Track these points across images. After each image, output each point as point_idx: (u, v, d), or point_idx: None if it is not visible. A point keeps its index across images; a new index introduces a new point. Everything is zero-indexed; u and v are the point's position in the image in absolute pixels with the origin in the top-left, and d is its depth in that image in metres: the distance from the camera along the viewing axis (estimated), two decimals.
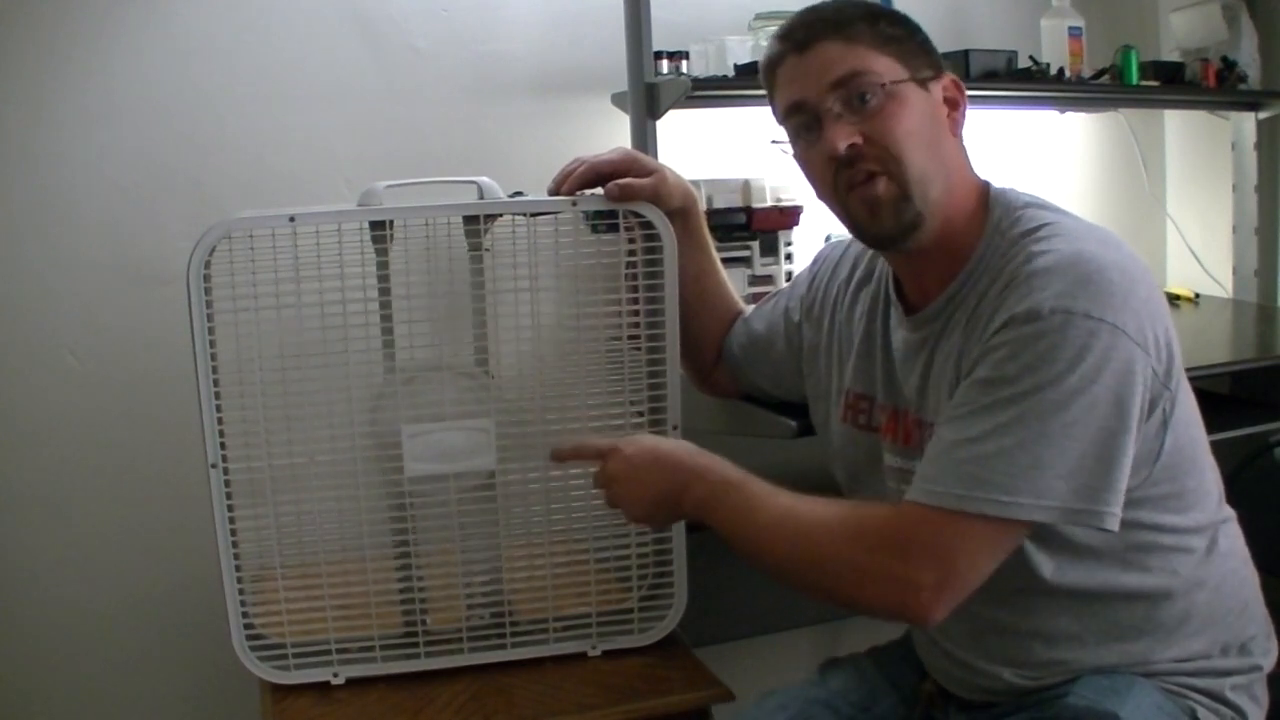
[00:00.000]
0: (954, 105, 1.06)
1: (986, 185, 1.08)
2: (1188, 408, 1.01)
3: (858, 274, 1.22)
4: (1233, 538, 1.08)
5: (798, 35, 1.04)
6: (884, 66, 1.02)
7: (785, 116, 1.07)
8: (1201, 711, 1.02)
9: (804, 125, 1.05)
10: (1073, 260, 0.93)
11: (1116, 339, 0.90)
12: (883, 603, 0.95)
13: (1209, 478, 1.06)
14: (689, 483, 1.07)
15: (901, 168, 1.01)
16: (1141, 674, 1.02)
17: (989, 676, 1.07)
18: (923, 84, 1.04)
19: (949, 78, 1.07)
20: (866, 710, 1.19)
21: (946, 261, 1.05)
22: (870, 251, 1.20)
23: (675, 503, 1.08)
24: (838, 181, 1.04)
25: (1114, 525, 0.92)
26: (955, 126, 1.06)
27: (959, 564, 0.92)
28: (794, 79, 1.05)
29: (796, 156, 1.09)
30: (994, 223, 1.04)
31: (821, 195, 1.09)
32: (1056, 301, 0.91)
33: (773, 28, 1.75)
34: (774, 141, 1.10)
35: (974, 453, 0.91)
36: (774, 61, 1.07)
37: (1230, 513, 1.09)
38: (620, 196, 1.24)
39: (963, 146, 1.08)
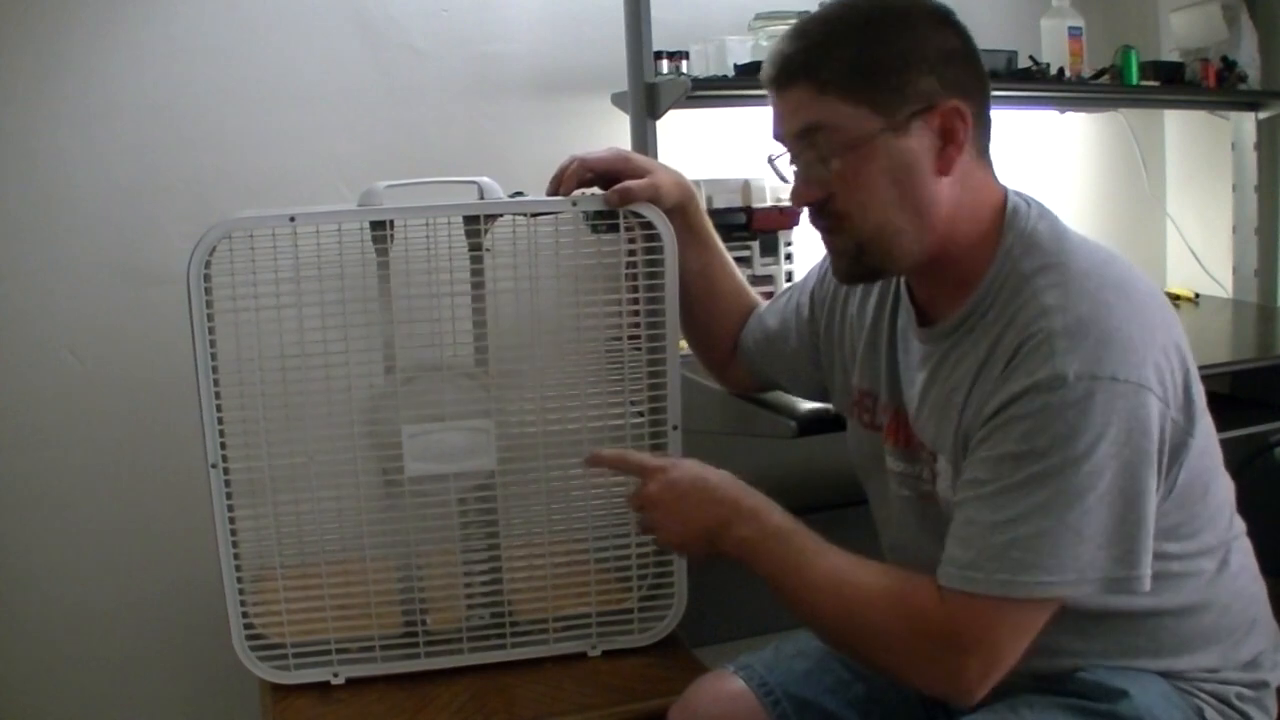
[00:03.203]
0: (950, 137, 0.98)
1: (1003, 204, 1.03)
2: (1204, 435, 0.99)
3: None
4: (1244, 553, 1.07)
5: (774, 71, 1.01)
6: (852, 120, 0.97)
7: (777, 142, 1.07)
8: (1209, 711, 1.01)
9: (790, 157, 1.05)
10: (1091, 318, 0.91)
11: (1141, 397, 0.90)
12: (928, 685, 0.96)
13: (1221, 497, 1.04)
14: (734, 522, 1.03)
15: (854, 226, 1.00)
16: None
17: None
18: (901, 128, 0.97)
19: (948, 106, 0.97)
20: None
21: (956, 280, 1.02)
22: None
23: (716, 538, 1.05)
24: (813, 222, 1.06)
25: (1147, 587, 0.92)
26: (947, 165, 0.98)
27: (1004, 649, 0.92)
28: (775, 115, 1.04)
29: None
30: (1006, 248, 1.00)
31: None
32: (1081, 367, 0.89)
33: (773, 28, 1.77)
34: (769, 160, 1.08)
35: (1014, 536, 0.90)
36: (765, 82, 1.04)
37: (1241, 526, 1.08)
38: (620, 202, 1.24)
39: (978, 168, 1.02)
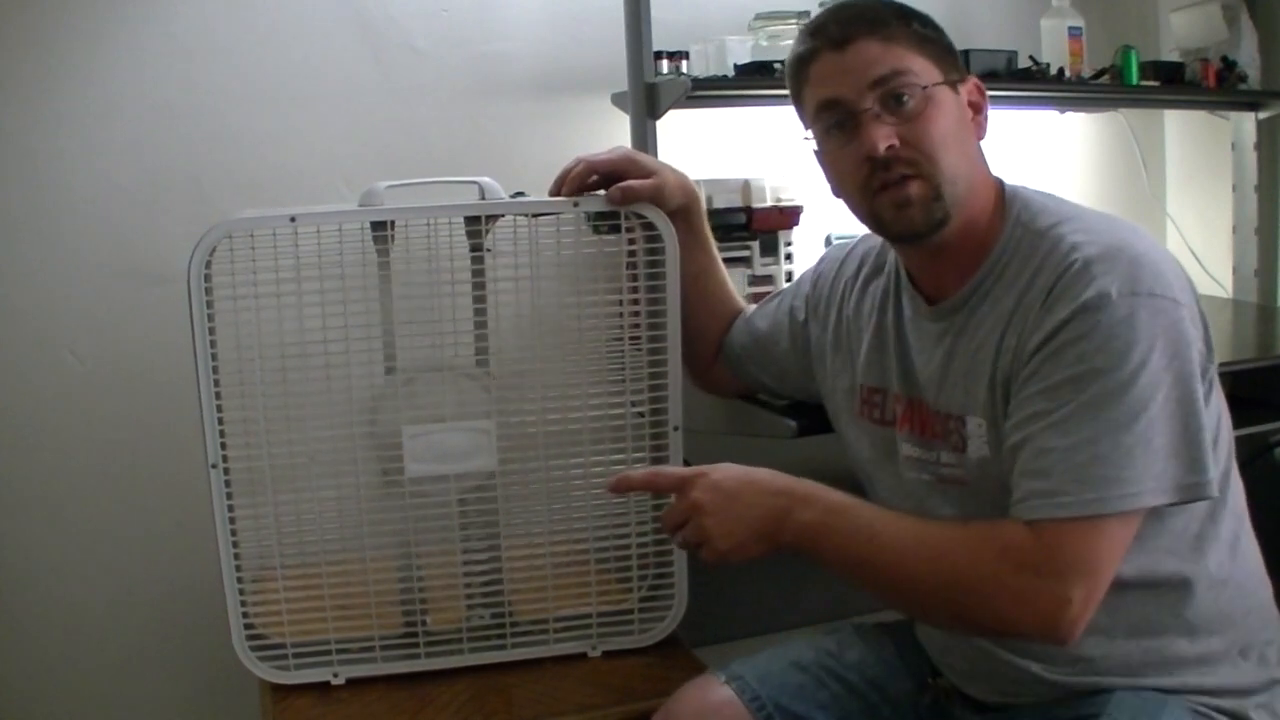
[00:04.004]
0: (977, 109, 1.08)
1: (1001, 183, 1.09)
2: (1217, 394, 1.03)
3: (865, 269, 1.22)
4: (1251, 536, 1.08)
5: (833, 32, 1.04)
6: (921, 67, 1.03)
7: (817, 112, 1.06)
8: None
9: (837, 123, 1.05)
10: (1119, 246, 0.96)
11: (1180, 312, 0.94)
12: (1033, 622, 0.93)
13: (1235, 471, 1.07)
14: (792, 508, 1.00)
15: (936, 169, 1.02)
16: (1168, 688, 1.01)
17: (1016, 670, 1.06)
18: (953, 86, 1.05)
19: (973, 81, 1.08)
20: (879, 689, 1.18)
21: (967, 255, 1.06)
22: (878, 248, 1.21)
23: (775, 531, 1.00)
24: (870, 181, 1.04)
25: (1216, 491, 0.95)
26: (979, 130, 1.08)
27: (1104, 569, 0.93)
28: (830, 76, 1.04)
29: (823, 152, 1.09)
30: (1014, 216, 1.05)
31: (844, 192, 1.09)
32: (1123, 285, 0.93)
33: (773, 28, 1.77)
34: (805, 138, 1.10)
35: (1094, 454, 0.92)
36: (805, 57, 1.06)
37: (1246, 512, 1.09)
38: (622, 200, 1.24)
39: (983, 153, 1.09)
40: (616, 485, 1.10)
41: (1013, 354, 0.99)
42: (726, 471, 1.04)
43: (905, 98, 1.02)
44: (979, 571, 0.94)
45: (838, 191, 1.10)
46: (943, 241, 1.05)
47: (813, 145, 1.10)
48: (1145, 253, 0.96)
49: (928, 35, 1.05)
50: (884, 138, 1.01)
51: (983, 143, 1.09)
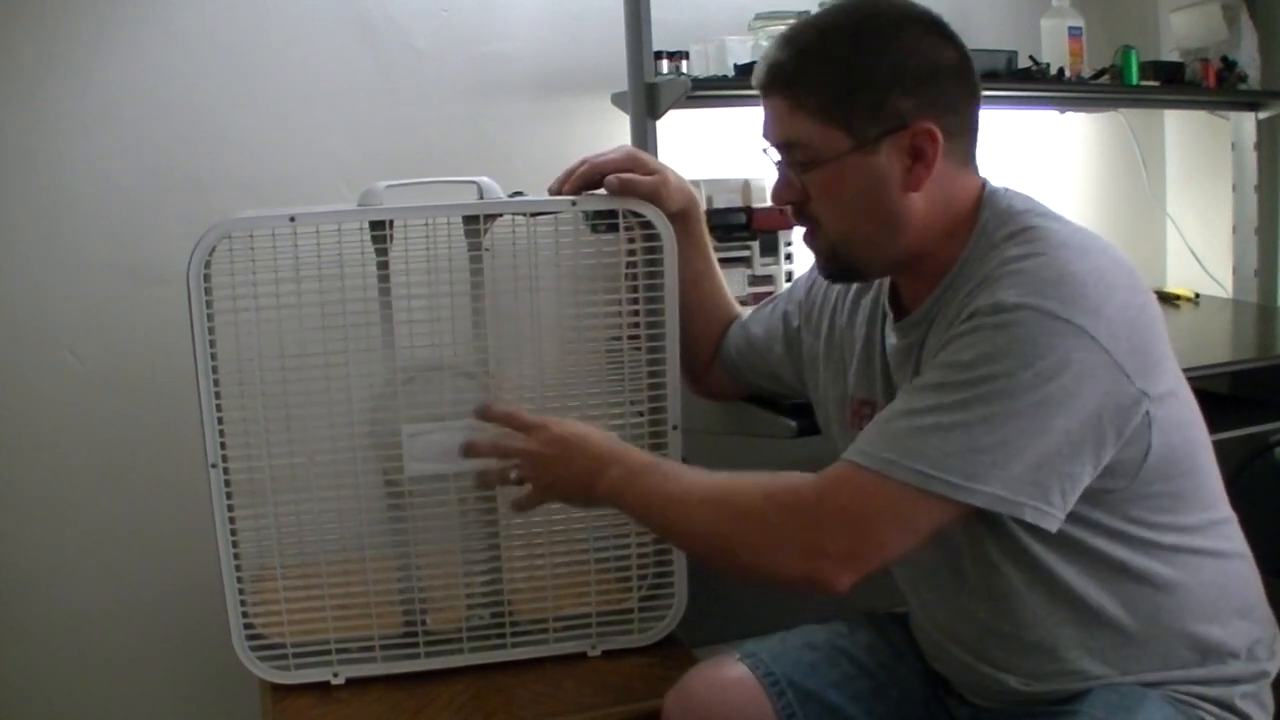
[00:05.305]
0: (919, 156, 0.99)
1: (981, 191, 1.05)
2: (1182, 409, 0.99)
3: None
4: (1235, 539, 1.07)
5: (762, 77, 1.05)
6: (822, 139, 1.00)
7: None
8: None
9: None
10: (1049, 262, 0.93)
11: (1081, 341, 0.89)
12: (792, 569, 0.94)
13: (1209, 480, 1.05)
14: (607, 465, 1.09)
15: (826, 234, 1.05)
16: (1152, 683, 1.01)
17: (996, 682, 1.07)
18: (871, 147, 0.99)
19: (920, 127, 0.98)
20: (889, 671, 1.19)
21: (933, 270, 1.04)
22: None
23: (589, 485, 1.10)
24: (793, 220, 1.09)
25: (1050, 525, 0.91)
26: (916, 182, 1.00)
27: (874, 532, 0.92)
28: (763, 114, 1.06)
29: None
30: (980, 227, 1.02)
31: None
32: (1022, 298, 0.90)
33: (773, 28, 1.77)
34: (764, 149, 1.10)
35: (912, 425, 0.91)
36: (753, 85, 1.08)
37: (1232, 514, 1.08)
38: (620, 189, 1.24)
39: (959, 174, 1.03)
40: (483, 410, 1.20)
41: (932, 351, 1.00)
42: (566, 426, 1.15)
43: (798, 168, 1.03)
44: (749, 512, 0.97)
45: None
46: (889, 271, 1.08)
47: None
48: (1076, 272, 0.91)
49: (847, 89, 0.98)
50: (780, 192, 1.06)
51: (937, 183, 1.01)
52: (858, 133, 0.99)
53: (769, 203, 1.79)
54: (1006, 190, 1.05)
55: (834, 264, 1.08)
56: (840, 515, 0.92)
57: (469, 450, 1.20)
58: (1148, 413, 0.94)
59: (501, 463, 1.18)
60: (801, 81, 1.01)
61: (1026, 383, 0.88)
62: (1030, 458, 0.89)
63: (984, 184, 1.06)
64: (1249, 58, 2.08)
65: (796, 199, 1.05)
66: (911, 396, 0.94)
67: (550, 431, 1.14)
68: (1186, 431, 1.01)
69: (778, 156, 1.07)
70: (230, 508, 1.24)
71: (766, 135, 1.06)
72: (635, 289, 1.28)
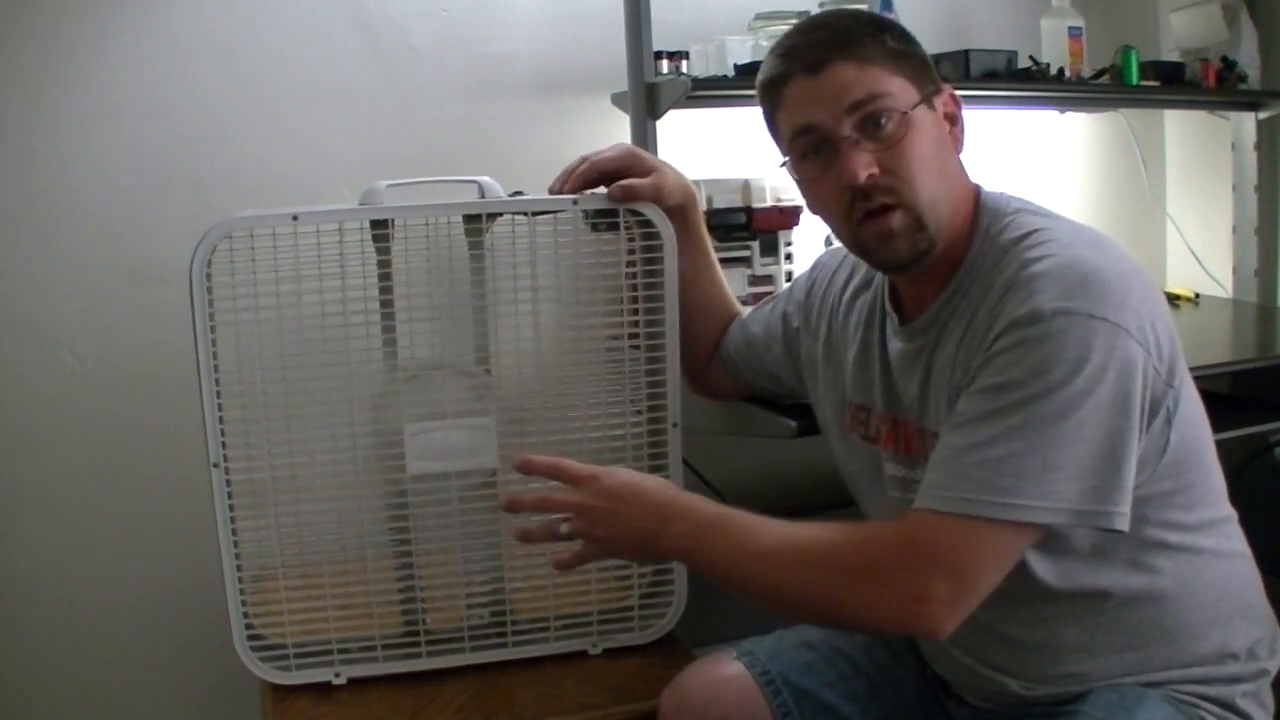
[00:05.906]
0: (953, 120, 1.05)
1: (977, 190, 1.07)
2: (1192, 405, 1.00)
3: (854, 282, 1.20)
4: (1237, 538, 1.07)
5: (806, 55, 1.01)
6: (898, 88, 1.00)
7: (792, 137, 1.04)
8: None
9: (813, 148, 1.02)
10: (1069, 263, 0.93)
11: (1118, 337, 0.90)
12: (895, 618, 0.92)
13: (1214, 476, 1.05)
14: (670, 519, 1.02)
15: (917, 198, 1.00)
16: (1152, 683, 1.01)
17: (996, 685, 1.07)
18: (930, 103, 1.02)
19: (947, 92, 1.05)
20: (885, 673, 1.19)
21: (941, 271, 1.04)
22: None
23: (651, 541, 1.03)
24: (852, 210, 1.02)
25: (1123, 525, 0.91)
26: (957, 143, 1.05)
27: (972, 572, 0.91)
28: (805, 100, 1.01)
29: (801, 178, 1.06)
30: (982, 229, 1.02)
31: (825, 215, 1.07)
32: (1057, 303, 0.90)
33: (773, 28, 1.77)
34: (781, 164, 1.07)
35: (983, 457, 0.90)
36: (777, 80, 1.04)
37: (1233, 512, 1.08)
38: (623, 197, 1.24)
39: (960, 166, 1.07)
40: (523, 464, 1.11)
41: (963, 369, 0.98)
42: (619, 478, 1.06)
43: (883, 121, 0.99)
44: (842, 561, 0.94)
45: (815, 210, 1.09)
46: (933, 257, 1.04)
47: (789, 169, 1.07)
48: (1097, 269, 0.92)
49: (902, 50, 1.01)
50: (864, 166, 0.99)
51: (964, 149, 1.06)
52: (919, 86, 1.01)
53: (769, 203, 1.80)
54: (999, 194, 1.06)
55: (919, 239, 1.01)
56: (938, 562, 0.90)
57: (513, 505, 1.11)
58: (1169, 406, 0.95)
59: (545, 517, 1.09)
60: (863, 40, 1.00)
61: (1080, 389, 0.89)
62: (1100, 464, 0.90)
63: (977, 186, 1.07)
64: (1249, 58, 2.08)
65: (881, 164, 0.99)
66: (973, 427, 0.92)
67: (602, 483, 1.06)
68: (1196, 428, 1.01)
69: (795, 159, 1.04)
70: (231, 507, 1.24)
71: (825, 110, 1.00)
72: (635, 286, 1.28)
